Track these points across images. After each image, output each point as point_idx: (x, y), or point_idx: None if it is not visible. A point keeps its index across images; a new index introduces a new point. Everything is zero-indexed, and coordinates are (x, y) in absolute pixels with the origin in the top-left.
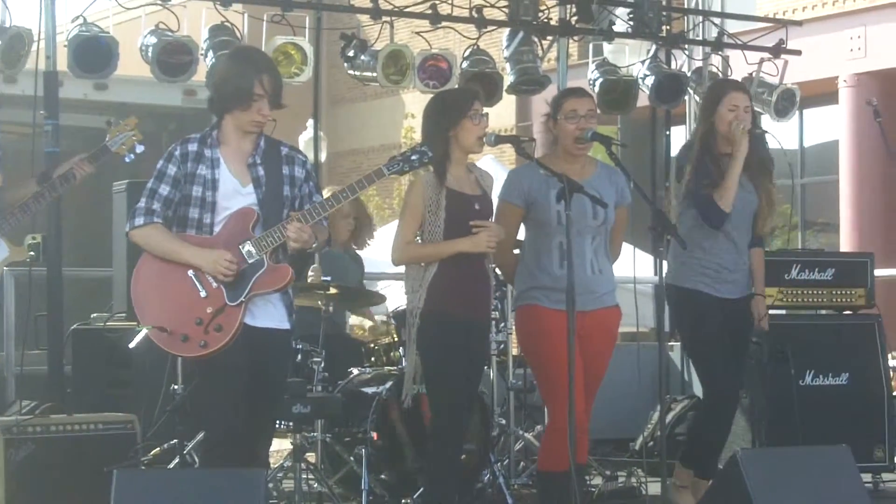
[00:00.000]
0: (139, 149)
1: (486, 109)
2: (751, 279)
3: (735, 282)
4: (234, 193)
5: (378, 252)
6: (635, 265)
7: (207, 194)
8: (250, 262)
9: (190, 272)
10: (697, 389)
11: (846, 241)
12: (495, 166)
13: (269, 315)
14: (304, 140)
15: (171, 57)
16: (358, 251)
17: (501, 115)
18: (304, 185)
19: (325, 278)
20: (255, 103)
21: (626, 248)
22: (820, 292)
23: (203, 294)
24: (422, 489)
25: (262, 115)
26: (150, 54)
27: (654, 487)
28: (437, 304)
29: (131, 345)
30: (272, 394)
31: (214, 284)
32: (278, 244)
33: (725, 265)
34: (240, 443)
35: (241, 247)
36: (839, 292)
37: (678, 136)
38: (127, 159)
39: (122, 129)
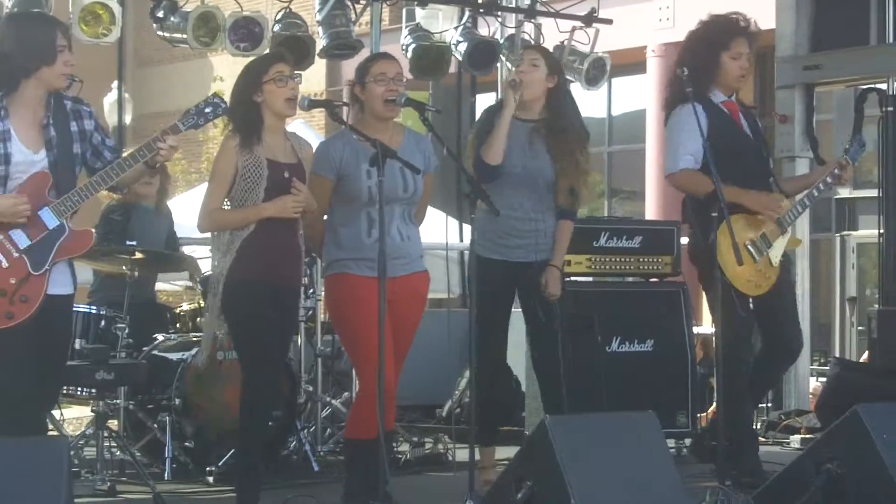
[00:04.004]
0: None
1: (297, 72)
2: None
3: (526, 246)
4: (28, 163)
5: (184, 217)
6: (447, 232)
7: (0, 169)
8: (51, 227)
9: None
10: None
11: (651, 210)
12: (306, 131)
13: (58, 282)
14: (109, 102)
15: None
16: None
17: (311, 79)
18: (95, 135)
19: (130, 242)
20: (60, 55)
21: (438, 216)
22: (627, 260)
23: (5, 265)
24: (226, 457)
25: (70, 65)
26: None
27: (462, 454)
28: (245, 269)
29: None
30: (60, 359)
31: (15, 254)
32: (78, 208)
33: (514, 230)
34: (28, 411)
35: (39, 213)
36: (646, 260)
37: (486, 103)
38: None
39: None
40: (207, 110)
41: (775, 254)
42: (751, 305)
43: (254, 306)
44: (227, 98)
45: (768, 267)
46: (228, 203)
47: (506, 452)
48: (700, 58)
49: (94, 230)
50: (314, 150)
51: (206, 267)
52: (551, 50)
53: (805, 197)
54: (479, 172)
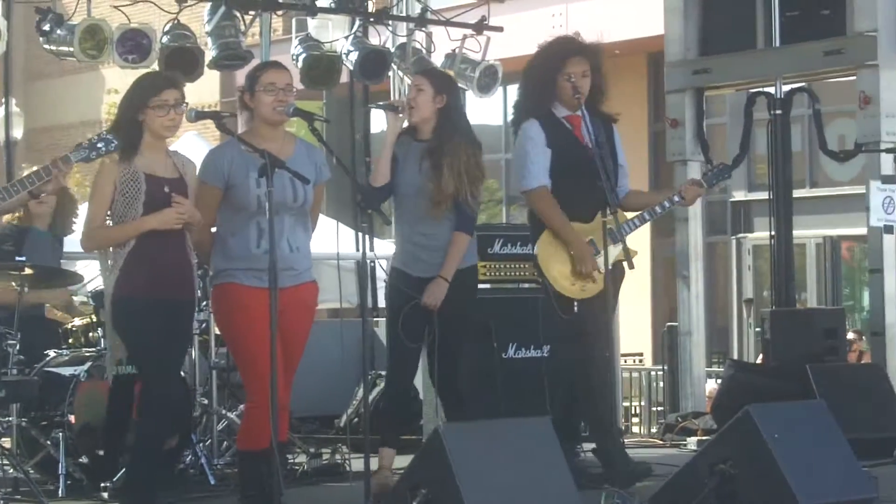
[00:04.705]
0: None
1: (188, 85)
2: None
3: (427, 260)
4: None
5: (79, 233)
6: (338, 241)
7: None
8: None
9: None
10: None
11: None
12: (199, 142)
13: None
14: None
15: None
16: (62, 235)
17: (204, 90)
18: None
19: (20, 258)
20: None
21: (329, 224)
22: (522, 266)
23: None
24: (120, 472)
25: None
26: None
27: (358, 464)
28: (130, 284)
29: None
30: None
31: None
32: None
33: (415, 245)
34: None
35: None
36: None
37: (378, 113)
38: None
39: None
40: (100, 145)
41: (603, 261)
42: (575, 308)
43: (143, 321)
44: None
45: (596, 272)
46: (110, 220)
47: (403, 461)
48: (538, 79)
49: None
50: (203, 158)
51: (97, 282)
52: (443, 57)
53: (645, 213)
54: (364, 196)
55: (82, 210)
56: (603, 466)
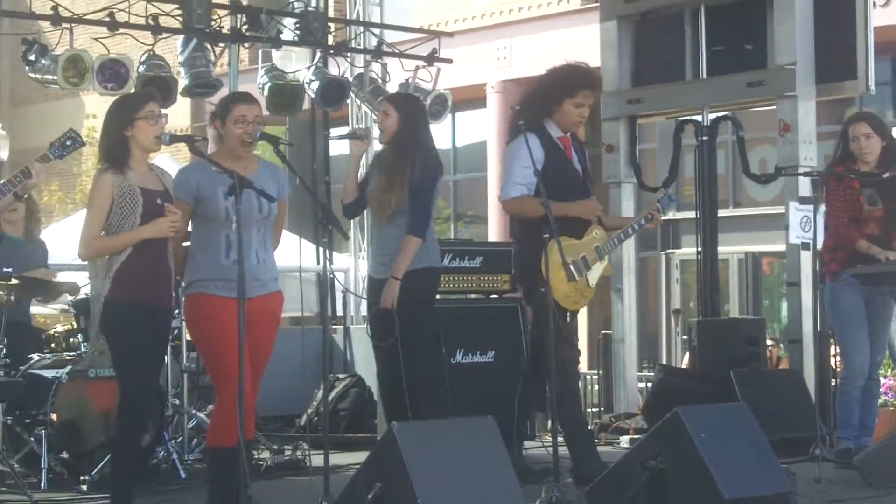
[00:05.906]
0: None
1: (163, 111)
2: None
3: (385, 263)
4: None
5: (62, 243)
6: (301, 254)
7: None
8: None
9: None
10: (359, 368)
11: (493, 232)
12: (171, 164)
13: None
14: None
15: None
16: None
17: (177, 115)
18: None
19: (7, 269)
20: None
21: (292, 239)
22: (469, 278)
23: None
24: (98, 466)
25: None
26: None
27: (318, 459)
28: (124, 292)
29: None
30: None
31: None
32: None
33: (375, 246)
34: None
35: None
36: (486, 278)
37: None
38: None
39: None
40: (68, 143)
41: (593, 276)
42: (568, 318)
43: (133, 328)
44: (99, 133)
45: (586, 287)
46: (104, 231)
47: (359, 457)
48: (543, 95)
49: None
50: (175, 176)
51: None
52: (397, 87)
53: (622, 232)
54: (344, 210)
55: (64, 225)
56: (574, 462)
